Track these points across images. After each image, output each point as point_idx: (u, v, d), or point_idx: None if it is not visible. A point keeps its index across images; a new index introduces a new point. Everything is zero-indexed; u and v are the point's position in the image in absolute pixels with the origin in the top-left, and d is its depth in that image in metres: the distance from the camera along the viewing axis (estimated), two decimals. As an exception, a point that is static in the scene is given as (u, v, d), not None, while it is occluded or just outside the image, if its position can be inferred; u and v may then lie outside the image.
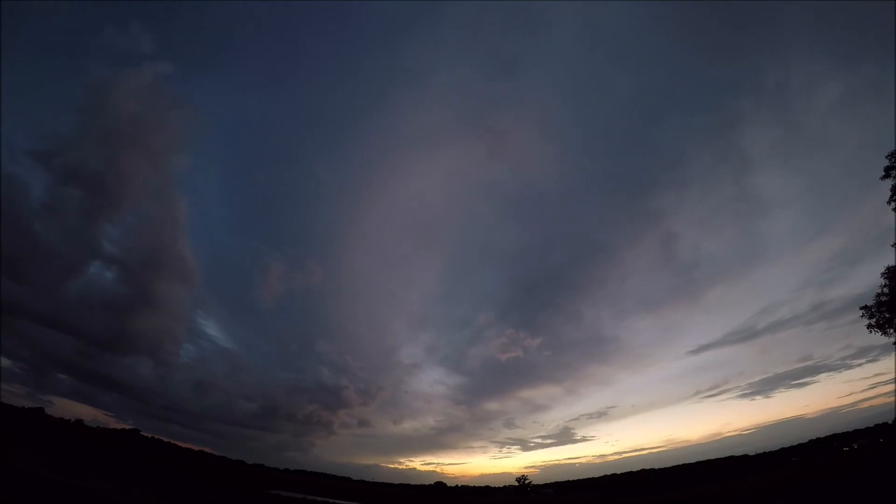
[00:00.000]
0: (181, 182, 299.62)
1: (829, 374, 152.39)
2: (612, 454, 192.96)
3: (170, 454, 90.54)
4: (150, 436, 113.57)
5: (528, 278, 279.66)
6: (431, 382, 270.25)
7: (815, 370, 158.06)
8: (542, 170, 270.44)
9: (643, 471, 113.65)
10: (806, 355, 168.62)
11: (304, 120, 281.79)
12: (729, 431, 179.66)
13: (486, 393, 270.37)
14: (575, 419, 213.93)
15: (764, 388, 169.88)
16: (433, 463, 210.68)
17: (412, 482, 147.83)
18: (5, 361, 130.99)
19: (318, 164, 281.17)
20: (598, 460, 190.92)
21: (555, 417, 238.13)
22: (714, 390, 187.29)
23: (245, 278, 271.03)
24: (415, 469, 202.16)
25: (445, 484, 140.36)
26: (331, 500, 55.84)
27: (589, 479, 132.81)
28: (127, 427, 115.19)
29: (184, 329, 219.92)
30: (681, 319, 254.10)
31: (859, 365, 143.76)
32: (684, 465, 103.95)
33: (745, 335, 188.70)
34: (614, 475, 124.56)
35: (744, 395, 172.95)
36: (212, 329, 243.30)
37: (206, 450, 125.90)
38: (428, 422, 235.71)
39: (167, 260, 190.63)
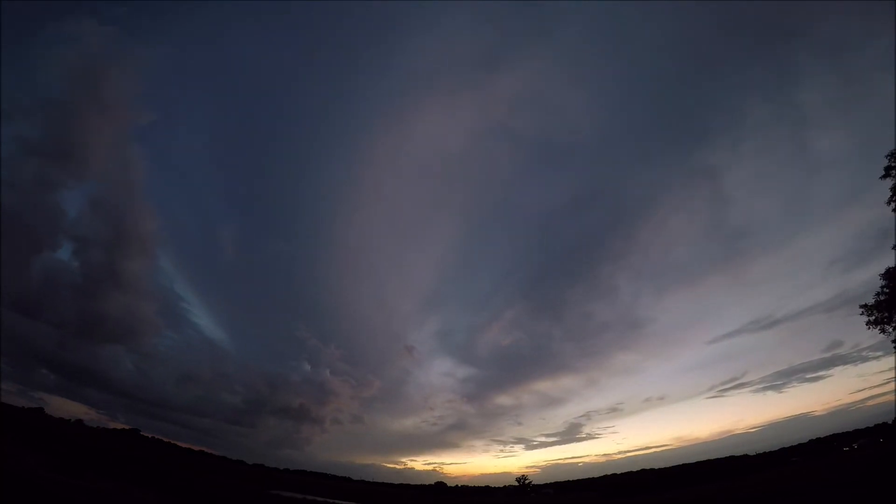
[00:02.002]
0: (148, 142, 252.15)
1: (844, 367, 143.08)
2: (616, 453, 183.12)
3: (170, 454, 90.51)
4: (150, 436, 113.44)
5: (554, 246, 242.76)
6: (438, 374, 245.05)
7: (830, 363, 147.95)
8: (572, 118, 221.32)
9: (644, 471, 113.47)
10: (829, 344, 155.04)
11: (291, 55, 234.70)
12: (739, 429, 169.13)
13: (497, 386, 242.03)
14: (584, 415, 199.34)
15: (777, 382, 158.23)
16: (434, 462, 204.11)
17: (412, 482, 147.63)
18: None
19: (309, 108, 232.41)
20: (602, 459, 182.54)
21: (564, 413, 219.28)
22: (729, 384, 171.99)
23: (221, 252, 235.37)
24: (415, 469, 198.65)
25: (446, 484, 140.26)
26: (331, 501, 55.82)
27: (590, 479, 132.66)
28: (126, 427, 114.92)
29: (162, 314, 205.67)
30: (720, 297, 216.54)
31: (875, 358, 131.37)
32: (685, 464, 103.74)
33: (766, 322, 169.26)
34: (615, 475, 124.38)
35: (757, 391, 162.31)
36: (195, 315, 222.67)
37: (206, 449, 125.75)
38: (431, 418, 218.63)
39: (134, 233, 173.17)
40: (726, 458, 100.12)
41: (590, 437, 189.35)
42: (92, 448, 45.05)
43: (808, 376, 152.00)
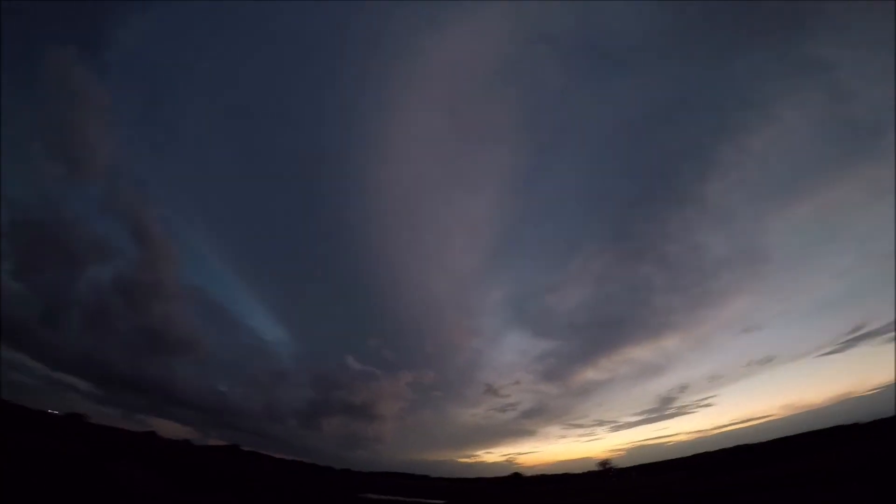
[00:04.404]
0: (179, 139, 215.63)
1: None
2: (712, 428, 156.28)
3: (268, 466, 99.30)
4: (248, 449, 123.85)
5: (635, 169, 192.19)
6: (510, 353, 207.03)
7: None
8: (625, 12, 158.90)
9: (739, 446, 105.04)
10: None
11: None
12: (861, 390, 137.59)
13: (582, 359, 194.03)
14: (679, 387, 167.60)
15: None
16: (509, 453, 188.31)
17: (488, 475, 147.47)
18: (81, 383, 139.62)
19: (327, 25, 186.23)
20: (694, 436, 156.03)
21: (657, 387, 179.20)
22: (852, 334, 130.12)
23: (266, 240, 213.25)
24: (491, 461, 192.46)
25: (522, 475, 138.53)
26: (413, 500, 58.32)
27: (678, 459, 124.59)
28: (227, 443, 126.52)
29: (212, 321, 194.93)
30: (847, 212, 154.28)
31: None
32: (791, 436, 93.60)
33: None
34: (706, 453, 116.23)
35: (887, 341, 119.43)
36: (247, 317, 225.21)
37: (298, 459, 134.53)
38: (503, 405, 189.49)
39: (161, 245, 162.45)
40: (838, 426, 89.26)
41: (682, 411, 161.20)
42: (200, 465, 50.90)
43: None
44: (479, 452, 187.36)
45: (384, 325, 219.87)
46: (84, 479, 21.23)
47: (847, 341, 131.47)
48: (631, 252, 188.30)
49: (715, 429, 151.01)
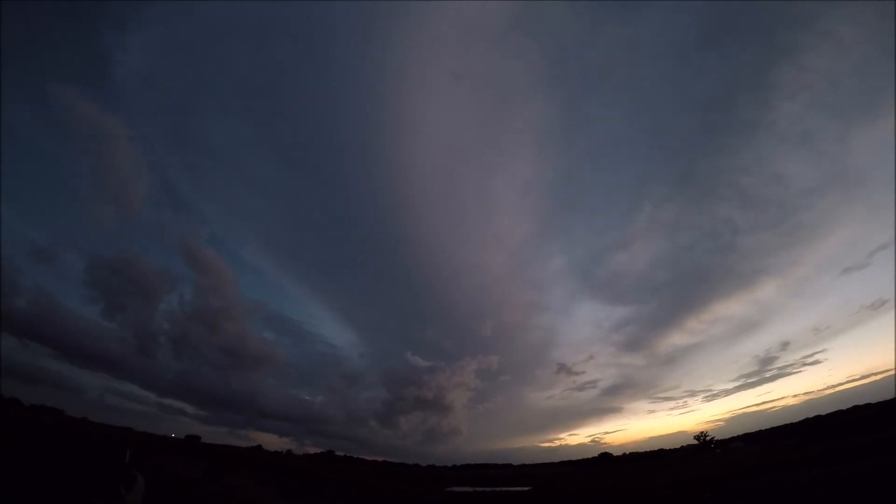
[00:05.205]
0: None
1: None
2: (823, 388, 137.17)
3: (361, 469, 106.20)
4: (341, 454, 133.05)
5: (692, 101, 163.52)
6: (582, 326, 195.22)
7: None
8: None
9: (857, 407, 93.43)
10: None
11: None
12: None
13: (664, 322, 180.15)
14: (779, 345, 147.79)
15: None
16: (595, 433, 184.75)
17: (574, 458, 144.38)
18: (187, 406, 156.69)
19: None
20: (803, 399, 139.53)
21: (753, 346, 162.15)
22: None
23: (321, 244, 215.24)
24: (575, 443, 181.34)
25: (611, 454, 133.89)
26: (498, 489, 59.34)
27: (786, 425, 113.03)
28: (322, 451, 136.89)
29: (282, 331, 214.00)
30: None
31: None
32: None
33: None
34: (818, 417, 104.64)
35: None
36: (313, 325, 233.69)
37: (388, 459, 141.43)
38: (581, 383, 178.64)
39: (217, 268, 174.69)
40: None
41: (786, 372, 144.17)
42: (302, 473, 55.84)
43: None
44: (562, 435, 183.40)
45: (440, 314, 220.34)
46: (210, 496, 24.32)
47: None
48: (703, 193, 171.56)
49: (826, 388, 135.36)
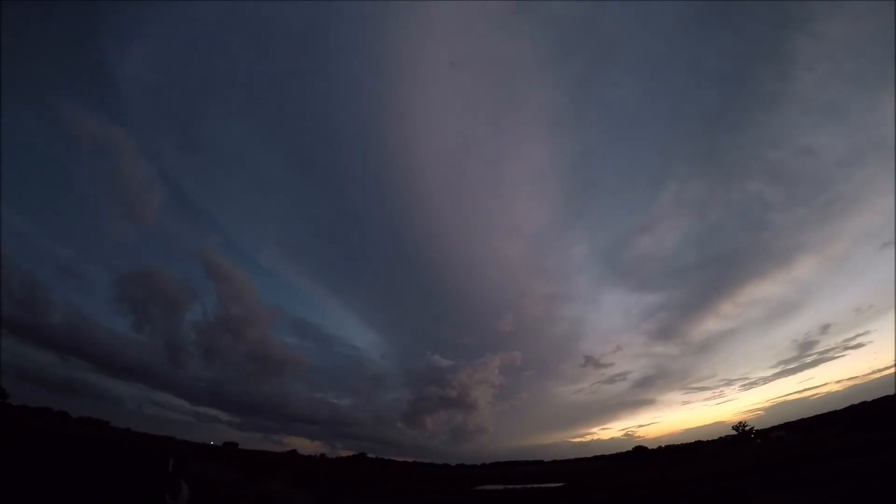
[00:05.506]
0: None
1: None
2: (869, 372, 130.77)
3: (392, 470, 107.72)
4: (372, 456, 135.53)
5: (703, 74, 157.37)
6: (610, 315, 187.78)
7: None
8: None
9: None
10: None
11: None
12: None
13: (696, 307, 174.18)
14: (820, 328, 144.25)
15: None
16: (627, 427, 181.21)
17: (607, 452, 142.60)
18: (221, 414, 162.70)
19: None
20: (847, 385, 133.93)
21: (791, 330, 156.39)
22: None
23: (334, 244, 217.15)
24: (607, 437, 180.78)
25: (646, 448, 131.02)
26: (528, 486, 59.02)
27: (830, 413, 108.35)
28: (355, 453, 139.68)
29: (302, 334, 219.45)
30: None
31: None
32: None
33: None
34: (864, 403, 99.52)
35: None
36: (333, 328, 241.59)
37: (418, 460, 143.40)
38: (611, 375, 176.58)
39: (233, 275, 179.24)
40: None
41: (827, 357, 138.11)
42: (336, 476, 57.17)
43: None
44: (594, 430, 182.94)
45: (459, 311, 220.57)
46: (249, 500, 25.35)
47: None
48: (728, 169, 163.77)
49: (872, 373, 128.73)
